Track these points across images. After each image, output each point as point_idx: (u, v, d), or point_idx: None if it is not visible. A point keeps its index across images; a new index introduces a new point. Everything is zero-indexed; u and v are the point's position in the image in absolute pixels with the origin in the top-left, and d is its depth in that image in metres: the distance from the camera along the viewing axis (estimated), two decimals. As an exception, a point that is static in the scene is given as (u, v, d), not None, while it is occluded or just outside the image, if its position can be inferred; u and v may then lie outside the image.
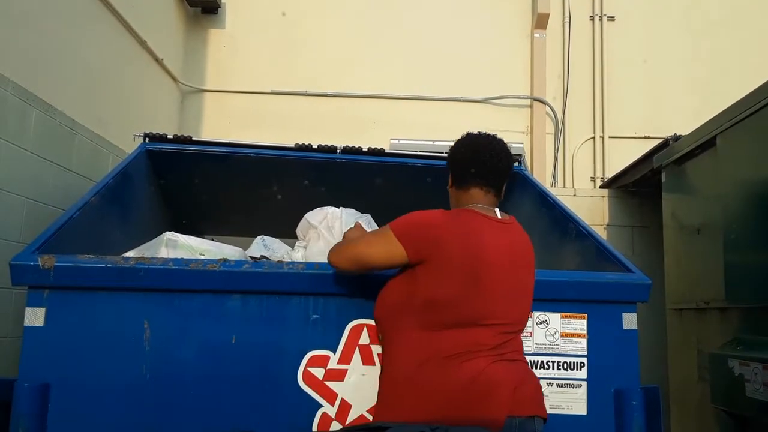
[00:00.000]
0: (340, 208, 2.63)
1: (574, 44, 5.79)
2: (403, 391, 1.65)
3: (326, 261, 1.84)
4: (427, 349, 1.64)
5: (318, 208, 2.63)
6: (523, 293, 1.78)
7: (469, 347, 1.63)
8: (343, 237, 2.01)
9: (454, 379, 1.61)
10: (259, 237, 2.70)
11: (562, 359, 2.03)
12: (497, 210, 1.82)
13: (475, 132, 1.91)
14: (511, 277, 1.72)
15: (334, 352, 1.90)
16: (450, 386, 1.61)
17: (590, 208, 4.84)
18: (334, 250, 1.81)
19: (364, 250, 1.74)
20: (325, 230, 2.52)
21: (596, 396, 2.02)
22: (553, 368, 2.03)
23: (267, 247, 2.63)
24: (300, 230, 2.64)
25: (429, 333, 1.65)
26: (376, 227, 2.52)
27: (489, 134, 1.90)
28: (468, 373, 1.61)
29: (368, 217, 2.67)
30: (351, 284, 1.91)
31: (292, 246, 2.74)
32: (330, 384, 1.88)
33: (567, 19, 5.83)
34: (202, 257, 2.13)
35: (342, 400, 1.88)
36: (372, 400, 1.82)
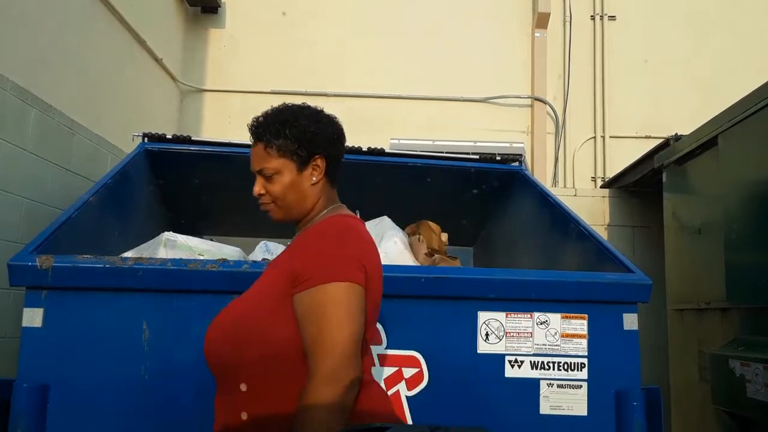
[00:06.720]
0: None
1: (574, 44, 5.78)
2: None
3: None
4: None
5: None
6: None
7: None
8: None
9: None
10: (262, 242, 2.69)
11: (562, 360, 2.02)
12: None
13: None
14: None
15: (334, 353, 1.89)
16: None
17: (591, 208, 4.83)
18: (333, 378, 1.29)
19: (345, 338, 1.31)
20: None
21: (597, 397, 2.02)
22: (553, 369, 2.02)
23: (270, 252, 2.63)
24: None
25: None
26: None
27: None
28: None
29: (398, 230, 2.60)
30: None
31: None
32: (329, 385, 1.87)
33: (568, 19, 5.82)
34: (201, 257, 2.12)
35: (341, 401, 1.86)
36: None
